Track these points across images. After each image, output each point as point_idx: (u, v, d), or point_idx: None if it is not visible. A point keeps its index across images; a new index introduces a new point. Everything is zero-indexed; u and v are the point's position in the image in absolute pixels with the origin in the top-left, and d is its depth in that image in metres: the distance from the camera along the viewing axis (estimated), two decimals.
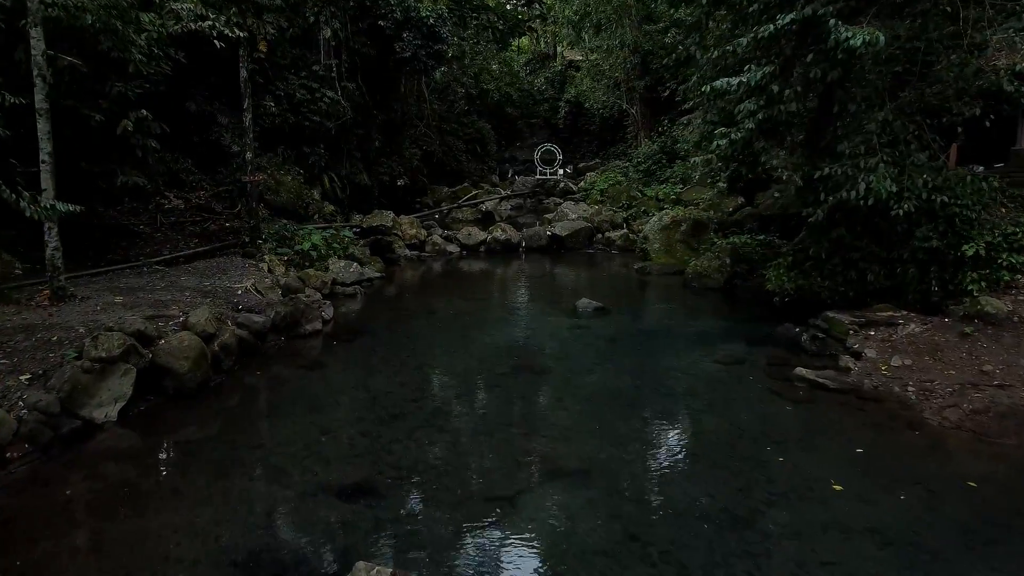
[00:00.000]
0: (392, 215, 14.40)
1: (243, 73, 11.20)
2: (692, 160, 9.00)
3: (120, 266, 9.83)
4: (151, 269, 9.75)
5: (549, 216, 16.31)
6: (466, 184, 22.99)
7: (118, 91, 9.59)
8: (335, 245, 11.82)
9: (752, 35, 7.95)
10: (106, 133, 9.71)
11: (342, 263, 11.17)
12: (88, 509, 4.52)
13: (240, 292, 8.54)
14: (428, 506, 4.50)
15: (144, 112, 9.83)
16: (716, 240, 11.70)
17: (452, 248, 14.42)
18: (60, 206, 5.94)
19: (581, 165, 27.22)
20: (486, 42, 26.89)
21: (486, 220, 18.60)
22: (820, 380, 6.61)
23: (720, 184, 13.57)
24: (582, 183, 22.77)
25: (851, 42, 6.71)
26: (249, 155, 11.40)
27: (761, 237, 11.42)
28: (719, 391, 6.63)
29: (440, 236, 14.71)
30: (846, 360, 7.08)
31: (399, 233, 14.25)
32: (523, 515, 4.41)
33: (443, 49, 16.73)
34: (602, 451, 5.34)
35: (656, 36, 25.39)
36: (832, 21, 6.97)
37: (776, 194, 12.56)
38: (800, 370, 6.82)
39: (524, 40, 37.37)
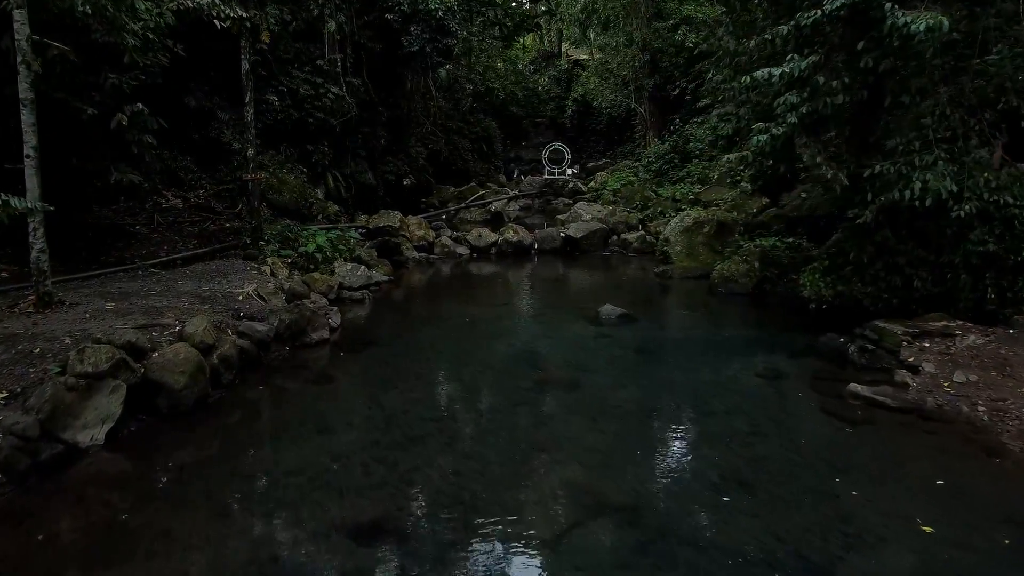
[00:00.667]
0: (399, 215, 13.82)
1: (245, 65, 10.62)
2: (725, 158, 8.43)
3: (114, 269, 9.25)
4: (146, 272, 9.17)
5: (562, 217, 15.73)
6: (472, 184, 22.42)
7: (112, 83, 9.02)
8: (341, 247, 11.24)
9: (794, 22, 7.38)
10: (99, 128, 9.16)
11: (348, 266, 10.59)
12: (67, 553, 3.93)
13: (241, 298, 7.95)
14: (457, 551, 3.91)
15: (140, 106, 9.26)
16: (743, 243, 11.11)
17: (462, 250, 13.83)
18: (15, 202, 5.32)
19: (590, 165, 26.65)
20: (491, 39, 26.34)
21: (495, 221, 18.02)
22: (878, 398, 6.02)
23: (743, 184, 12.97)
24: (592, 183, 22.19)
25: (912, 28, 6.14)
26: (251, 152, 10.82)
27: (790, 240, 10.83)
28: (766, 410, 6.04)
29: (449, 237, 14.13)
30: (903, 375, 6.48)
31: (406, 234, 13.66)
32: (567, 562, 3.82)
33: (451, 44, 16.15)
34: (647, 481, 4.75)
35: (666, 34, 24.91)
36: (888, 5, 6.40)
37: (803, 194, 11.98)
38: (854, 386, 6.22)
39: (529, 39, 36.87)
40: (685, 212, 12.28)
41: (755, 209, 12.62)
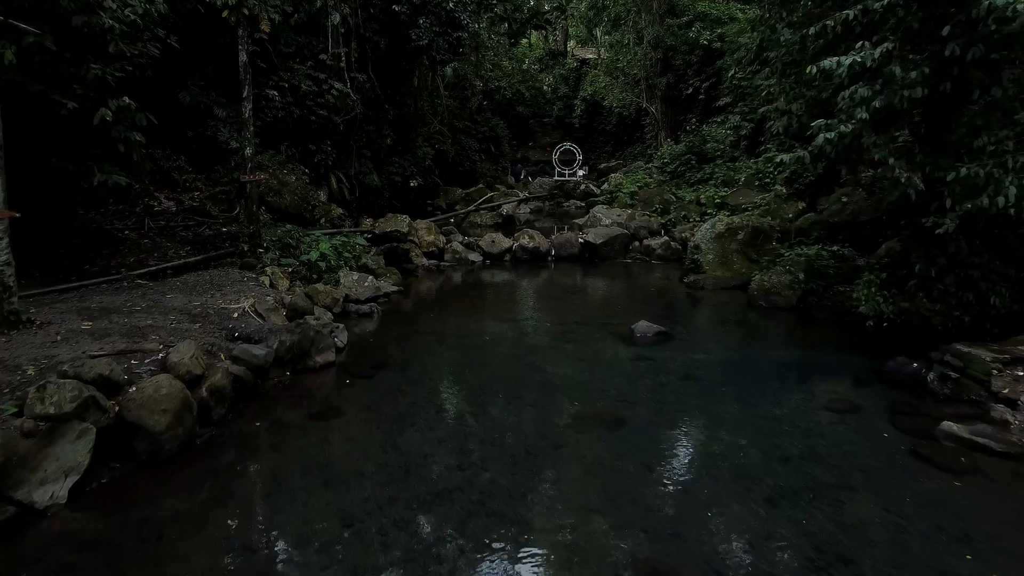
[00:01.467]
0: (407, 219, 12.94)
1: (242, 57, 9.74)
2: (779, 158, 7.57)
3: (96, 280, 8.37)
4: (132, 284, 8.29)
5: (580, 221, 14.84)
6: (481, 186, 21.56)
7: (95, 75, 8.15)
8: (346, 254, 10.36)
9: (861, 6, 6.52)
10: (81, 124, 8.31)
11: (355, 276, 9.71)
12: None
13: (236, 315, 7.07)
14: None
15: (126, 100, 8.41)
16: (783, 251, 10.24)
17: (474, 257, 12.96)
18: None
19: (602, 166, 25.76)
20: (499, 35, 25.46)
21: (506, 225, 17.15)
22: (978, 439, 5.15)
23: (777, 187, 12.10)
24: (606, 185, 21.31)
25: (1017, 6, 5.27)
26: (249, 151, 9.94)
27: (834, 248, 9.96)
28: (849, 455, 5.17)
29: (460, 243, 13.24)
30: (1000, 411, 5.60)
31: (415, 240, 12.79)
32: None
33: (463, 37, 15.26)
34: (729, 556, 3.87)
35: (679, 31, 24.17)
36: None
37: (844, 199, 11.14)
38: (948, 425, 5.35)
39: (534, 37, 36.07)
40: (716, 217, 11.39)
41: (791, 214, 11.74)
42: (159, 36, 9.20)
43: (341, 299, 8.93)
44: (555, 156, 23.92)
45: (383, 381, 6.66)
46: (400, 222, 12.72)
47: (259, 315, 7.15)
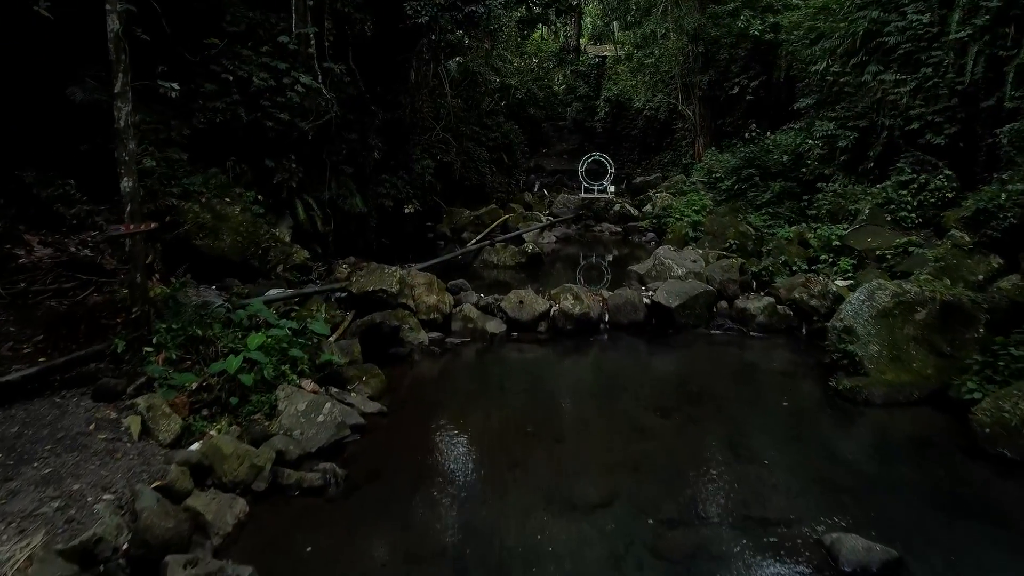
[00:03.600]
0: (399, 274, 8.86)
1: (112, 23, 5.68)
2: None
3: None
4: None
5: (639, 269, 10.77)
6: (492, 205, 17.55)
7: None
8: (294, 351, 6.29)
9: None
10: None
11: (303, 401, 5.61)
12: None
13: None
14: None
15: None
16: (1010, 348, 6.21)
17: (494, 326, 8.91)
18: None
19: (637, 180, 21.68)
20: (513, 22, 21.44)
21: (532, 265, 13.11)
22: None
23: (955, 233, 8.05)
24: (648, 207, 17.32)
25: None
26: (128, 184, 5.90)
27: None
28: None
29: (474, 306, 9.19)
30: None
31: (410, 303, 8.74)
32: None
33: (477, 12, 11.23)
34: None
35: (723, 21, 20.41)
36: None
37: None
38: None
39: (544, 31, 32.22)
40: (873, 283, 7.33)
41: (981, 275, 7.70)
42: None
43: (270, 462, 4.85)
44: (581, 168, 19.87)
45: None
46: (387, 278, 8.67)
47: None
